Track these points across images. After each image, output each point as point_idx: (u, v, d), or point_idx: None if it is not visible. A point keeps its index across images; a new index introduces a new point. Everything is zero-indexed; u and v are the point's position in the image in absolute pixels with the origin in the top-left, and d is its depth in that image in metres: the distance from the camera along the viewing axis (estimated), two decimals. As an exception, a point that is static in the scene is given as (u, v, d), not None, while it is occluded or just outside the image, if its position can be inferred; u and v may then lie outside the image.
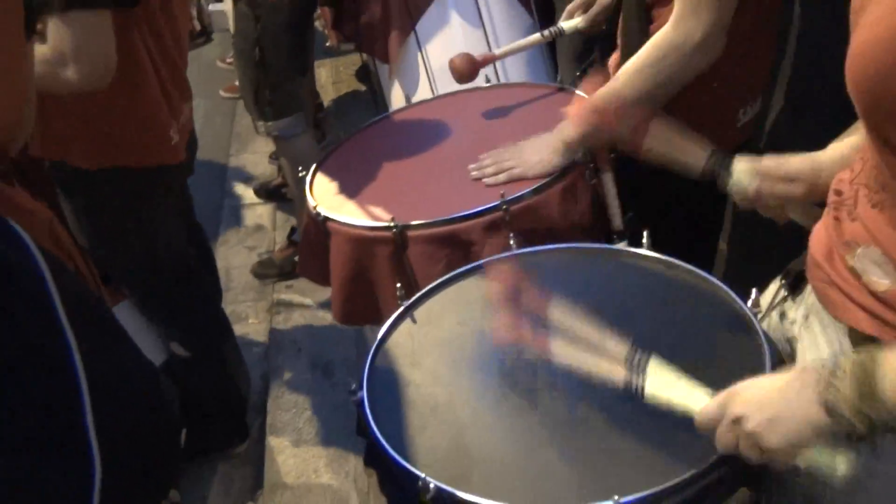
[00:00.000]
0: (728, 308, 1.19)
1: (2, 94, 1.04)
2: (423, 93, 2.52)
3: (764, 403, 0.91)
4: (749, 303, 1.17)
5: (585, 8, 1.92)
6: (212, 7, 2.91)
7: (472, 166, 1.61)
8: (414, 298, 1.33)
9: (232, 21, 2.73)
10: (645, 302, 1.27)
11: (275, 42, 2.58)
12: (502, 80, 2.40)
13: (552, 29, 1.94)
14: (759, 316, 1.17)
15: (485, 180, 1.58)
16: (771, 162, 1.21)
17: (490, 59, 1.96)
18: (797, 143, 1.21)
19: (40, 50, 1.50)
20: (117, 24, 1.58)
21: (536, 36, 1.99)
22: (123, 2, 1.62)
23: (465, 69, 1.89)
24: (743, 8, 1.42)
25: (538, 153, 1.56)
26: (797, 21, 1.75)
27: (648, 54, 1.46)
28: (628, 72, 1.48)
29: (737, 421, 0.92)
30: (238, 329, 2.52)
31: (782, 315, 1.20)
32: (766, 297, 1.24)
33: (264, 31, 2.56)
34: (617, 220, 1.62)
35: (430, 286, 1.35)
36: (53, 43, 1.50)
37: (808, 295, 1.12)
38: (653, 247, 1.34)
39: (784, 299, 1.20)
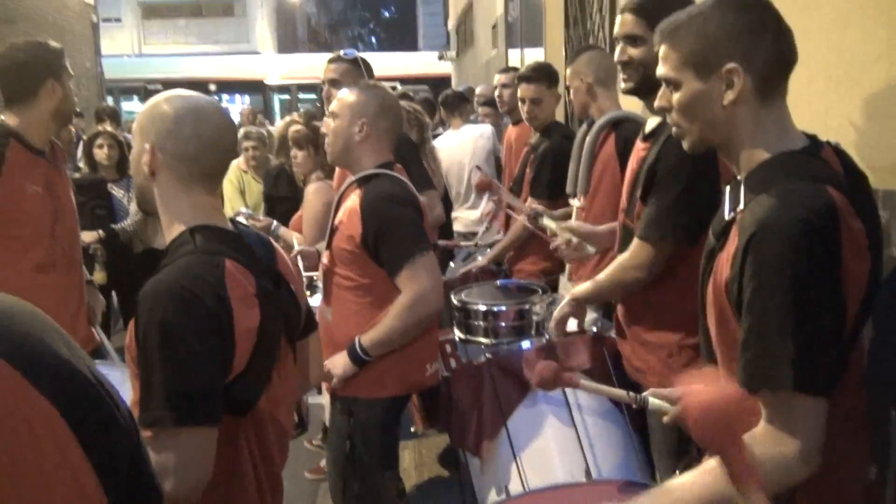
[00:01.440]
0: None
1: None
2: (514, 488, 2.46)
3: None
4: None
5: None
6: (311, 400, 3.06)
7: None
8: None
9: (328, 414, 2.82)
10: None
11: (365, 438, 2.63)
12: (594, 474, 2.35)
13: (639, 397, 1.86)
14: None
15: None
16: None
17: (573, 384, 1.95)
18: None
19: None
20: (225, 432, 1.59)
21: (623, 393, 1.93)
22: (233, 410, 1.62)
23: (549, 377, 1.90)
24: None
25: None
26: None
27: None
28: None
29: None
30: None
31: None
32: None
33: (356, 427, 2.62)
34: None
35: None
36: (155, 456, 1.46)
37: None
38: None
39: None
